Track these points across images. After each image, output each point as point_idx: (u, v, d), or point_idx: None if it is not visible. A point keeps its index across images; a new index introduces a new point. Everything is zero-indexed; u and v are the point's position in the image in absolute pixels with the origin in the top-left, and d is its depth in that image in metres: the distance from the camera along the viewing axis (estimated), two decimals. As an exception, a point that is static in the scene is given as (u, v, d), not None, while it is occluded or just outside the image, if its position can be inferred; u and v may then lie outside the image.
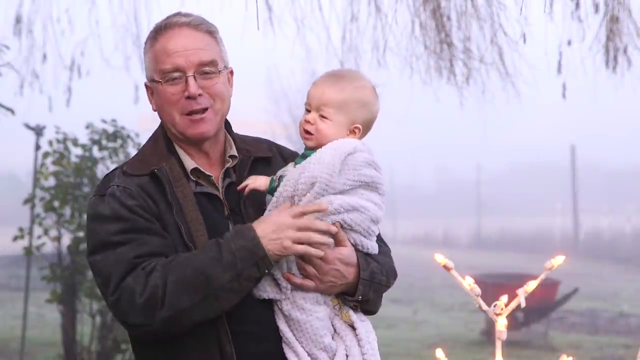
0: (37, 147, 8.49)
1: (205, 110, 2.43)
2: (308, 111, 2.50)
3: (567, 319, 12.95)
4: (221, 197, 2.47)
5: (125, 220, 2.35)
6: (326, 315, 2.43)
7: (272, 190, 2.44)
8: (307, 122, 2.49)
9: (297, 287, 2.39)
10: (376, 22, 6.45)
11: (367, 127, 2.55)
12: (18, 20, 6.77)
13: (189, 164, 2.47)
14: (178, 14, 2.50)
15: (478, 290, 2.78)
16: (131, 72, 6.83)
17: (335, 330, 2.45)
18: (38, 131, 8.55)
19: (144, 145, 2.58)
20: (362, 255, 2.47)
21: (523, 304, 2.72)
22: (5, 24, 6.76)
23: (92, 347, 7.38)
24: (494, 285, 10.20)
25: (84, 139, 7.72)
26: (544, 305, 10.62)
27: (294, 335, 2.38)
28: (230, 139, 2.58)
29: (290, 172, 2.43)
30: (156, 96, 2.49)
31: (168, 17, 2.50)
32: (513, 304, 2.77)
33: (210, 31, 2.49)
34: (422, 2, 6.34)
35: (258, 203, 2.47)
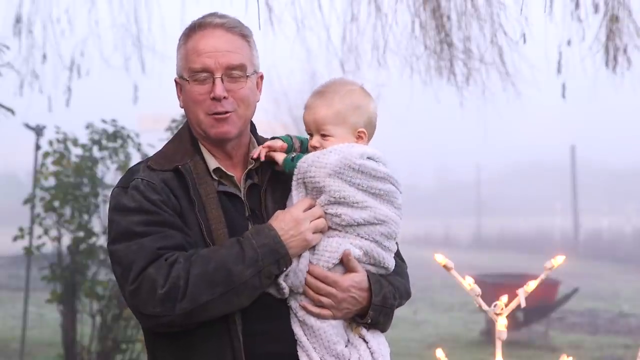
0: (37, 147, 8.49)
1: (228, 112, 2.44)
2: (311, 136, 2.51)
3: (567, 319, 12.95)
4: (242, 198, 2.48)
5: (149, 212, 2.36)
6: (340, 323, 2.44)
7: (287, 166, 2.48)
8: (314, 147, 2.49)
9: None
10: (376, 22, 6.46)
11: (370, 128, 2.54)
12: (18, 20, 6.77)
13: (212, 163, 2.48)
14: (214, 14, 2.50)
15: (478, 290, 2.78)
16: (131, 72, 6.84)
17: (349, 340, 2.46)
18: (38, 131, 8.54)
19: (168, 142, 2.59)
20: (376, 278, 2.48)
21: (523, 304, 2.72)
22: (5, 24, 6.77)
23: (92, 347, 7.38)
24: (494, 285, 10.20)
25: (84, 139, 7.72)
26: (544, 305, 10.62)
27: (308, 340, 2.40)
28: (255, 141, 2.59)
29: (298, 167, 2.44)
30: (184, 94, 2.50)
31: (204, 16, 2.50)
32: (513, 304, 2.77)
33: (244, 34, 2.49)
34: (422, 2, 6.34)
35: (278, 205, 2.48)
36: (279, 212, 2.42)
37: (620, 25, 6.05)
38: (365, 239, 2.44)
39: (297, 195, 2.46)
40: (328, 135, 2.47)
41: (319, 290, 2.40)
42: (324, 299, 2.39)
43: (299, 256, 2.40)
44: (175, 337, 2.37)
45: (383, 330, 2.56)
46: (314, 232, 2.39)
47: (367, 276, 2.45)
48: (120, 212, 2.39)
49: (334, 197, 2.40)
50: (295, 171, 2.44)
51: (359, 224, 2.41)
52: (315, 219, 2.39)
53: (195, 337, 2.37)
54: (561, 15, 6.23)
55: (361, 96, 2.52)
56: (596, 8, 6.08)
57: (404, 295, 2.58)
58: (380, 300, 2.46)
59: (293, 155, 2.48)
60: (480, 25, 6.36)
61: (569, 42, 6.29)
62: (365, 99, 2.52)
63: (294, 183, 2.46)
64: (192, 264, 2.29)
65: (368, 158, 2.43)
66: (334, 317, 2.42)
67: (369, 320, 2.46)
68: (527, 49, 6.32)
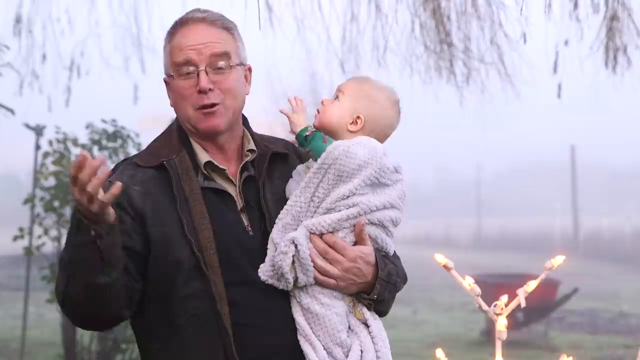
0: (37, 147, 8.48)
1: (215, 105, 2.44)
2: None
3: (567, 319, 12.96)
4: (232, 192, 2.46)
5: None
6: (343, 311, 2.42)
7: (300, 138, 2.50)
8: (322, 102, 2.53)
9: (316, 282, 2.39)
10: (376, 22, 6.46)
11: (372, 124, 2.51)
12: (18, 20, 6.77)
13: (203, 157, 2.47)
14: (196, 9, 2.52)
15: (478, 290, 2.78)
16: (131, 72, 6.84)
17: (349, 328, 2.45)
18: (38, 131, 8.54)
19: (156, 137, 2.57)
20: (380, 255, 2.48)
21: (523, 304, 2.73)
22: (5, 24, 6.77)
23: (92, 347, 7.38)
24: (494, 285, 10.20)
25: (84, 139, 7.72)
26: (544, 305, 10.63)
27: (311, 328, 2.38)
28: (248, 134, 2.58)
29: (328, 151, 2.41)
30: (171, 91, 2.50)
31: (186, 13, 2.52)
32: (513, 304, 2.77)
33: (227, 27, 2.50)
34: (422, 2, 6.35)
35: (276, 196, 2.47)
36: (292, 180, 2.46)
37: (620, 25, 6.05)
38: (374, 224, 2.44)
39: (297, 179, 2.46)
40: (337, 99, 2.52)
41: (326, 254, 2.39)
42: (332, 269, 2.37)
43: (295, 245, 2.35)
44: (166, 336, 2.36)
45: (385, 312, 2.55)
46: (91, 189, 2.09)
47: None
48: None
49: (353, 190, 2.39)
50: (324, 155, 2.41)
51: (372, 211, 2.42)
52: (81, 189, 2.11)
53: (186, 333, 2.34)
54: (560, 15, 6.22)
55: (385, 99, 2.54)
56: (596, 8, 6.08)
57: (402, 277, 2.58)
58: (385, 275, 2.46)
59: (307, 134, 2.49)
60: (480, 25, 6.37)
61: (566, 42, 6.29)
62: (387, 104, 2.54)
63: (313, 166, 2.42)
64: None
65: (384, 154, 2.47)
66: (337, 288, 2.39)
67: (375, 296, 2.44)
68: (526, 49, 6.33)
